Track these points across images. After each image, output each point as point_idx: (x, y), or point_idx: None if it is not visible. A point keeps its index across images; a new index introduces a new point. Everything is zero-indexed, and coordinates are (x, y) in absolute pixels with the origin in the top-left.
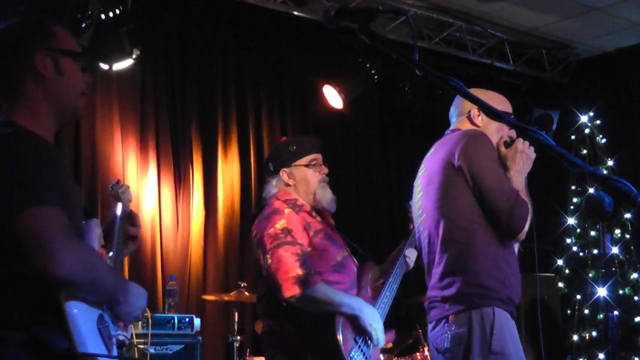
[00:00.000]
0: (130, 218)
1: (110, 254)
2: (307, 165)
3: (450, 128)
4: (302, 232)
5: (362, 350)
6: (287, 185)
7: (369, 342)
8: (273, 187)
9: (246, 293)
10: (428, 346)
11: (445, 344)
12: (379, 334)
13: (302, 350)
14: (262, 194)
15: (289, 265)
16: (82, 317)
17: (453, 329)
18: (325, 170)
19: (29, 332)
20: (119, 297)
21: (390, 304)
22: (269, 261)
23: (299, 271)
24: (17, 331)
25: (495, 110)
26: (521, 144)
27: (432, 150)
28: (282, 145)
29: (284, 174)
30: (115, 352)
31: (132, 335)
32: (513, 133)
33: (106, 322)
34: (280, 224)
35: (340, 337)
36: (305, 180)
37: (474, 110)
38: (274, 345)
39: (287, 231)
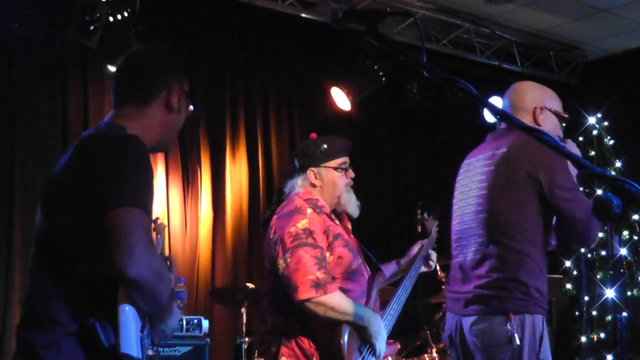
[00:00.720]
0: (167, 263)
1: None
2: (336, 168)
3: (503, 125)
4: (322, 235)
5: (364, 359)
6: (313, 185)
7: (374, 351)
8: (298, 185)
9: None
10: (457, 337)
11: (496, 338)
12: (382, 345)
13: (309, 352)
14: (282, 187)
15: (308, 268)
16: (131, 319)
17: (509, 328)
18: (352, 174)
19: (84, 323)
20: (165, 315)
21: (403, 305)
22: (288, 260)
23: (318, 274)
24: (74, 320)
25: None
26: (571, 144)
27: (491, 143)
28: (313, 143)
29: (311, 173)
30: None
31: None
32: (561, 133)
33: (146, 334)
34: (302, 223)
35: (345, 346)
36: (332, 183)
37: (538, 109)
38: (279, 344)
39: (308, 232)
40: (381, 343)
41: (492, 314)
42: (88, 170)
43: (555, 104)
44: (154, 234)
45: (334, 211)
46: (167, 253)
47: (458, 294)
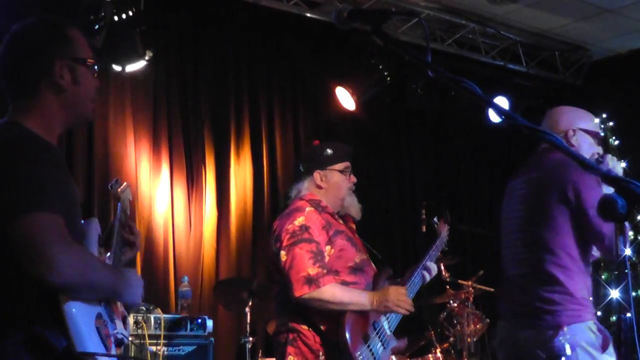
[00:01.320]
0: (128, 226)
1: (108, 254)
2: (341, 171)
3: (543, 146)
4: (321, 230)
5: (371, 351)
6: (319, 187)
7: (383, 339)
8: (304, 187)
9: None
10: (510, 348)
11: (550, 350)
12: (403, 306)
13: (315, 348)
14: (288, 192)
15: (302, 264)
16: (80, 316)
17: (561, 339)
18: (354, 179)
19: (29, 331)
20: (119, 289)
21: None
22: (284, 258)
23: (311, 271)
24: (18, 330)
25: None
26: (609, 160)
27: (529, 165)
28: (318, 148)
29: (317, 175)
30: (114, 351)
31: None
32: (600, 149)
33: (105, 320)
34: (298, 220)
35: (347, 336)
36: (337, 185)
37: (570, 131)
38: (287, 344)
39: (304, 228)
40: (398, 306)
41: (546, 327)
42: None
43: (588, 123)
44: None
45: (338, 213)
46: (134, 221)
47: (513, 306)
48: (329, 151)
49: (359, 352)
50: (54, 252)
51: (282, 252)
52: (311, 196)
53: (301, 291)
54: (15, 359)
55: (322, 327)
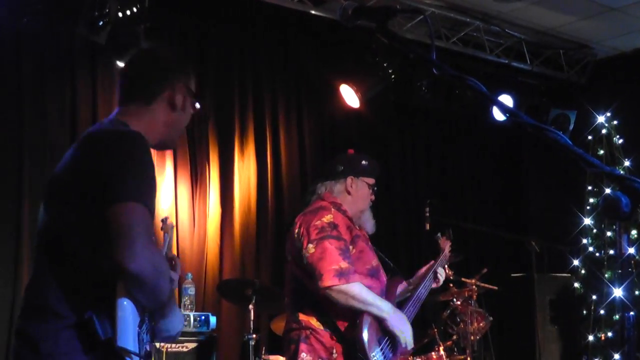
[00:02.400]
0: (172, 262)
1: None
2: (369, 185)
3: None
4: (346, 230)
5: (384, 353)
6: (347, 192)
7: (393, 347)
8: (334, 187)
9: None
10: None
11: None
12: (407, 337)
13: (329, 345)
14: (314, 187)
15: (333, 257)
16: (130, 313)
17: None
18: (374, 198)
19: (82, 315)
20: (166, 311)
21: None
22: (312, 250)
23: (342, 264)
24: (72, 313)
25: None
26: None
27: None
28: (356, 156)
29: (350, 181)
30: None
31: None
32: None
33: (145, 329)
34: (327, 218)
35: (365, 338)
36: (363, 197)
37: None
38: (299, 341)
39: (333, 225)
40: (406, 335)
41: None
42: (90, 166)
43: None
44: (161, 233)
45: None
46: (173, 252)
47: None
48: (365, 163)
49: (373, 353)
50: (141, 244)
51: (310, 245)
52: (333, 199)
53: (331, 282)
54: (64, 340)
55: (339, 325)
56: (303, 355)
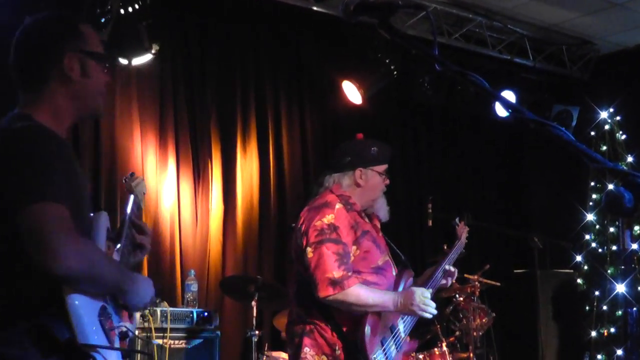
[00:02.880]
0: (139, 227)
1: (118, 245)
2: (380, 174)
3: None
4: (349, 230)
5: (385, 353)
6: (357, 185)
7: (397, 342)
8: (342, 181)
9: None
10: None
11: None
12: (427, 309)
13: (332, 341)
14: (322, 179)
15: (327, 265)
16: (83, 308)
17: None
18: (388, 182)
19: (33, 321)
20: (125, 287)
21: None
22: (310, 255)
23: (336, 273)
24: (22, 319)
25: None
26: None
27: None
28: (365, 144)
29: (359, 173)
30: (117, 344)
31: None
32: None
33: (109, 313)
34: (328, 218)
35: (366, 339)
36: (374, 187)
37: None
38: (303, 334)
39: (333, 227)
40: (420, 310)
41: None
42: None
43: None
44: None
45: (364, 211)
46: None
47: None
48: (375, 150)
49: (375, 355)
50: (59, 243)
51: (309, 249)
52: (342, 192)
53: (326, 292)
54: (19, 349)
55: (341, 326)
56: (306, 349)
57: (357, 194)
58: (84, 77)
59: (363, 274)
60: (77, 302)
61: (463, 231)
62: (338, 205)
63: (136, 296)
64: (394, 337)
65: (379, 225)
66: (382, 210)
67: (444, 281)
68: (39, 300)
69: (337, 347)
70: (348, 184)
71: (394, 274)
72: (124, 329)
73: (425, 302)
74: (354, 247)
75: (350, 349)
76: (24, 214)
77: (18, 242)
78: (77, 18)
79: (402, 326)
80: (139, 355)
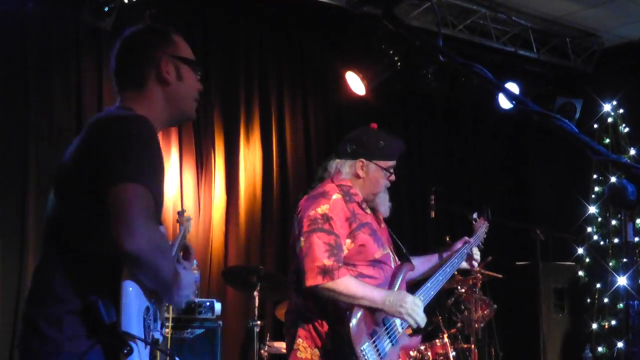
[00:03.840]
0: (186, 251)
1: None
2: (383, 169)
3: None
4: (343, 222)
5: (376, 347)
6: (357, 176)
7: (391, 337)
8: (343, 169)
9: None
10: None
11: None
12: (415, 316)
13: (324, 335)
14: (325, 164)
15: (317, 254)
16: (134, 298)
17: None
18: (394, 178)
19: (85, 300)
20: (173, 289)
21: (432, 298)
22: (302, 244)
23: (326, 262)
24: (76, 297)
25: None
26: None
27: None
28: (373, 135)
29: (360, 163)
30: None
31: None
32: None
33: (150, 315)
34: (322, 208)
35: (353, 330)
36: (375, 181)
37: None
38: (298, 325)
39: (326, 218)
40: (408, 315)
41: None
42: (93, 150)
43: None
44: (176, 226)
45: (366, 202)
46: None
47: None
48: (382, 144)
49: (362, 347)
50: (139, 222)
51: (301, 238)
52: (343, 182)
53: (314, 281)
54: (68, 325)
55: (333, 315)
56: (299, 341)
57: (357, 185)
58: (178, 81)
59: (359, 267)
60: (131, 289)
61: (481, 226)
62: (335, 196)
63: (181, 292)
64: (387, 330)
65: (381, 217)
66: (383, 205)
67: (465, 265)
68: (95, 281)
69: (329, 341)
70: (347, 172)
71: (393, 267)
72: (157, 335)
73: (415, 311)
74: (349, 241)
75: (339, 340)
76: (115, 190)
77: (96, 217)
78: (169, 28)
79: (399, 320)
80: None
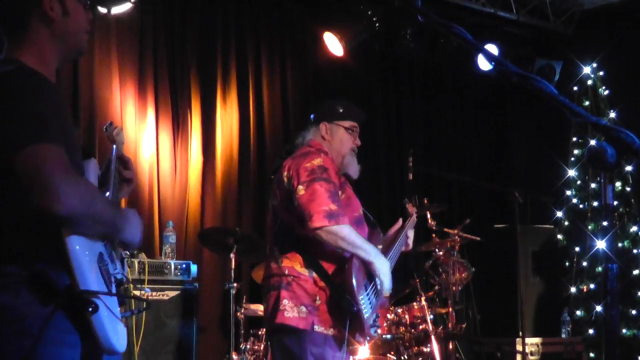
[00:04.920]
0: (123, 161)
1: (107, 194)
2: (346, 129)
3: None
4: (335, 174)
5: (369, 298)
6: (323, 138)
7: (376, 293)
8: (310, 135)
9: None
10: None
11: None
12: (387, 282)
13: (312, 292)
14: (294, 139)
15: (322, 199)
16: (83, 253)
17: None
18: (359, 143)
19: (31, 269)
20: (120, 224)
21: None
22: (302, 192)
23: (332, 206)
24: (19, 267)
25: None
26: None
27: None
28: (331, 103)
29: (323, 127)
30: (114, 291)
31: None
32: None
33: (105, 260)
34: (317, 161)
35: (354, 279)
36: (340, 141)
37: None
38: (280, 288)
39: (323, 169)
40: (386, 279)
41: None
42: None
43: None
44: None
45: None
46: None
47: None
48: (340, 108)
49: (361, 297)
50: (59, 182)
51: (300, 187)
52: (320, 146)
53: (321, 222)
54: (18, 297)
55: (327, 269)
56: (285, 302)
57: (326, 148)
58: (64, 16)
59: (348, 219)
60: (77, 247)
61: (413, 211)
62: (322, 154)
63: (131, 230)
64: (373, 285)
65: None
66: (352, 166)
67: (403, 248)
68: (37, 246)
69: (317, 298)
70: (316, 137)
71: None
72: (120, 276)
73: (388, 275)
74: (339, 192)
75: (337, 291)
76: (23, 156)
77: (14, 187)
78: None
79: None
80: (132, 301)
